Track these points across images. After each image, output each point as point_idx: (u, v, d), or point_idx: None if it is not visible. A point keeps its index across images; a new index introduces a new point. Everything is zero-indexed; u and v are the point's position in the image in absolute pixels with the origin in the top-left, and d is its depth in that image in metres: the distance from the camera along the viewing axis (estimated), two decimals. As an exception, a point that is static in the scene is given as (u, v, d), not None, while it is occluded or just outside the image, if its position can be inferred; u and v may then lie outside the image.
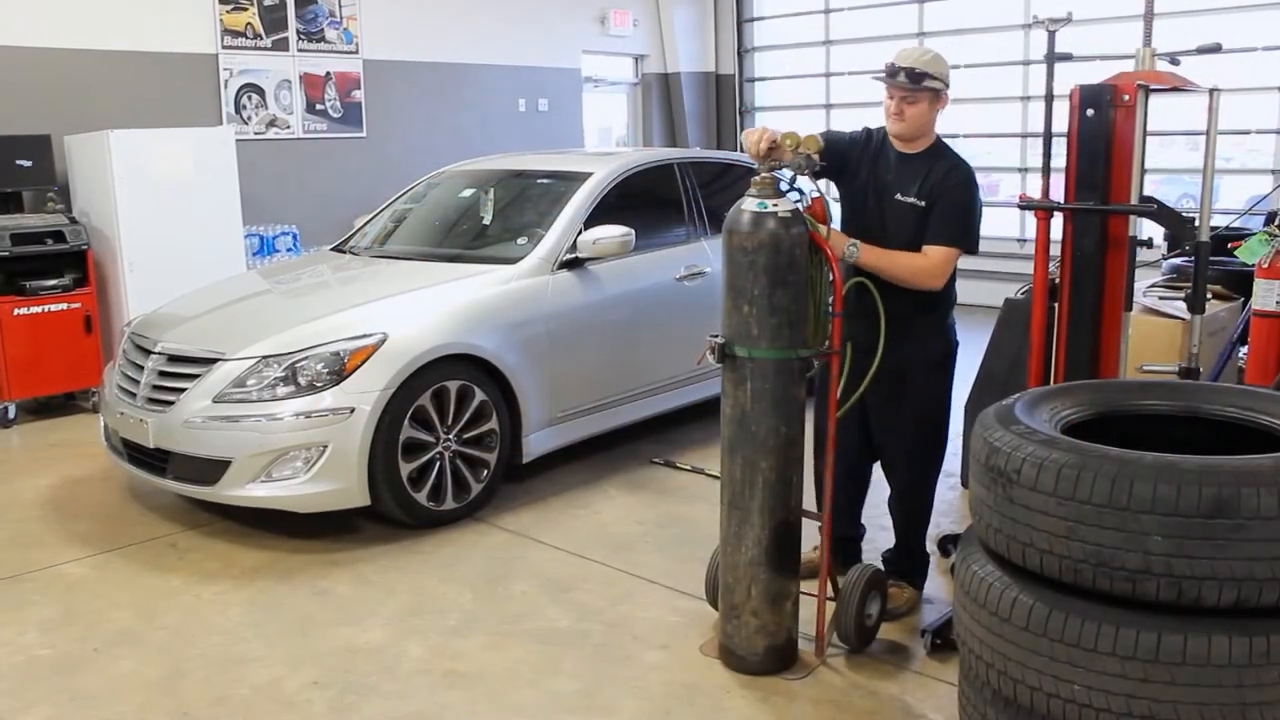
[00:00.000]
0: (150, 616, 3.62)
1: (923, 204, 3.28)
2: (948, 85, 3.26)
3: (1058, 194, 3.50)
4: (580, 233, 4.93)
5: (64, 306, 6.18)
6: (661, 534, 4.31)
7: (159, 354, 4.43)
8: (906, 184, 3.30)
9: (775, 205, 2.94)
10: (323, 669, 3.25)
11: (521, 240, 5.06)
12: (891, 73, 3.23)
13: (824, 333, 3.10)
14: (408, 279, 4.79)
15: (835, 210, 3.32)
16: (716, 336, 3.04)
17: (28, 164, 6.44)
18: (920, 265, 3.25)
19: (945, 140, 3.39)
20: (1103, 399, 2.65)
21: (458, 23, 9.24)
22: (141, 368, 4.46)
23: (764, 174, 3.00)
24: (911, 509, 3.58)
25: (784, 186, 3.06)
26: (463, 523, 4.39)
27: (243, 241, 7.05)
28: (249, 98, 7.96)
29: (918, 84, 3.19)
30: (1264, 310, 4.20)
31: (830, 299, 3.08)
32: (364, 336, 4.20)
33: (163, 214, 6.49)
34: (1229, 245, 4.74)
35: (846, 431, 3.35)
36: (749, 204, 2.97)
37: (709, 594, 3.43)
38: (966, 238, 3.29)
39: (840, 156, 3.37)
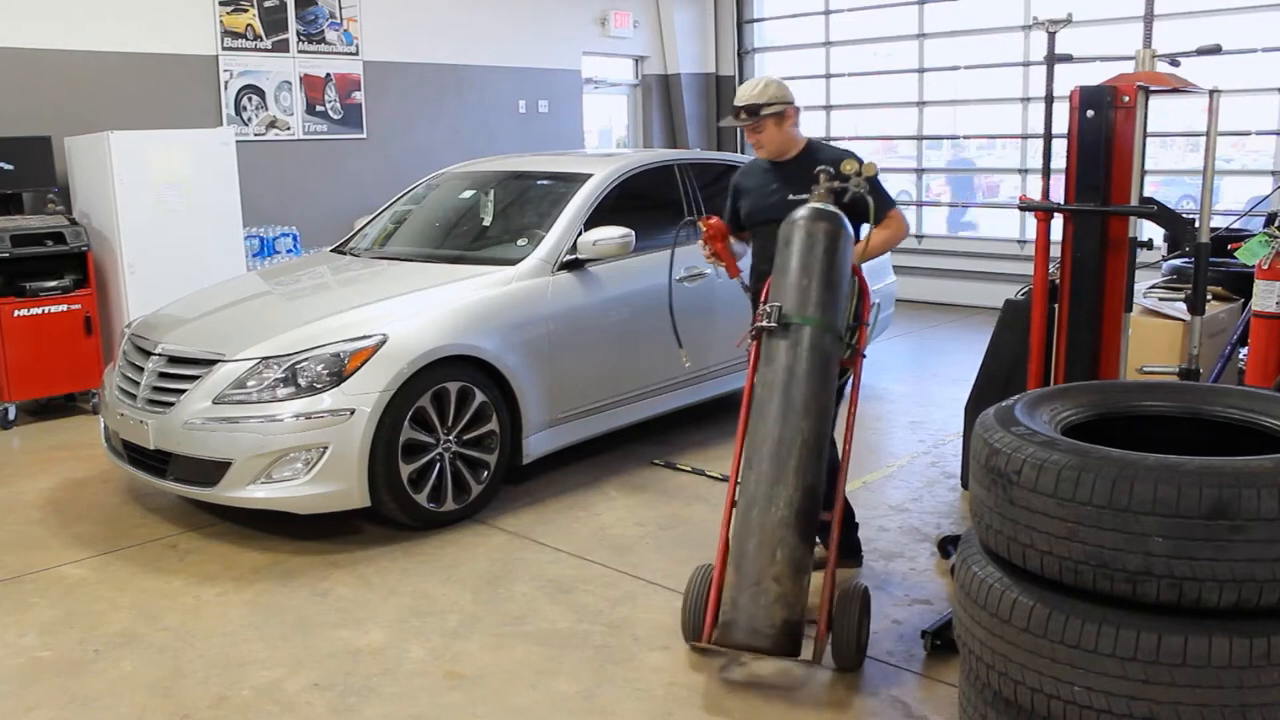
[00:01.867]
0: (151, 618, 3.63)
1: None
2: (789, 102, 3.69)
3: (1058, 195, 3.50)
4: (580, 234, 4.93)
5: (64, 308, 6.18)
6: (662, 535, 4.31)
7: (159, 355, 4.43)
8: (796, 185, 3.60)
9: (834, 210, 3.33)
10: (323, 670, 3.25)
11: (521, 241, 5.06)
12: (735, 114, 3.69)
13: (851, 340, 3.35)
14: (408, 280, 4.79)
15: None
16: (773, 304, 3.23)
17: (9, 167, 6.38)
18: (896, 227, 3.70)
19: (820, 140, 3.85)
20: (1103, 400, 2.65)
21: (458, 24, 9.24)
22: (141, 369, 4.46)
23: (824, 185, 3.39)
24: None
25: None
26: (463, 524, 4.39)
27: (243, 243, 7.05)
28: (249, 99, 7.96)
29: (756, 116, 3.64)
30: (1264, 311, 4.20)
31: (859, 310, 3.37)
32: (364, 338, 4.20)
33: (163, 215, 6.50)
34: (1229, 246, 4.75)
35: None
36: (814, 202, 3.35)
37: (687, 624, 3.26)
38: (890, 197, 3.73)
39: (738, 216, 3.86)
